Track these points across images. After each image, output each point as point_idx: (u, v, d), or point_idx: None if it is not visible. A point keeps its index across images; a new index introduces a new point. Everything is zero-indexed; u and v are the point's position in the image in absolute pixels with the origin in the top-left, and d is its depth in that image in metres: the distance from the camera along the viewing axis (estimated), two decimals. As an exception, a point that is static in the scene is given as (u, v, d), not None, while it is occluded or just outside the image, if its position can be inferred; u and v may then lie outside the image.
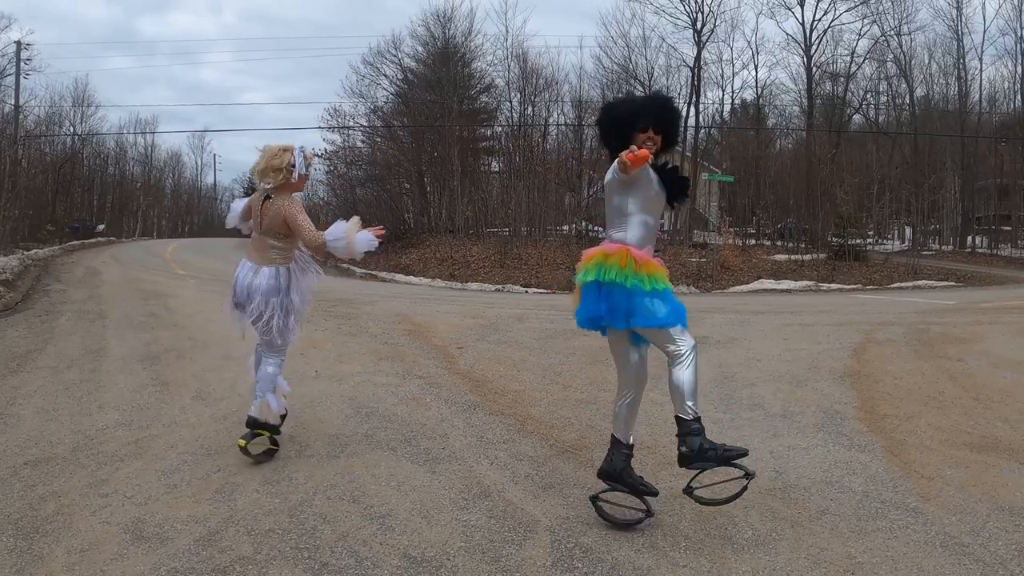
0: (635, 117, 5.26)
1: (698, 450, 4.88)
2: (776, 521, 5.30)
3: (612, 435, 5.38)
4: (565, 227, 42.74)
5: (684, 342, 5.01)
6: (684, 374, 4.97)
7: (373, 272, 33.64)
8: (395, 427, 7.20)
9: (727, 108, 55.82)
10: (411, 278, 31.13)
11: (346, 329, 12.65)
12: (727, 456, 4.94)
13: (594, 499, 5.37)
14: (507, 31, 49.69)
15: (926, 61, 52.70)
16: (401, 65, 50.94)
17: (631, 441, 5.37)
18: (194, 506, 5.35)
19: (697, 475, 5.11)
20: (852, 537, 5.06)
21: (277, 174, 6.32)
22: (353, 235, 6.28)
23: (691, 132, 49.26)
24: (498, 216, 45.62)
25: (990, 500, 5.69)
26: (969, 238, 50.70)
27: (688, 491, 5.11)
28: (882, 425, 7.56)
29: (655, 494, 5.27)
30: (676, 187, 5.31)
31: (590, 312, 5.11)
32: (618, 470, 5.28)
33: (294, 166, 6.33)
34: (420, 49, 50.57)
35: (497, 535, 4.99)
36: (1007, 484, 6.01)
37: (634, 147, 4.87)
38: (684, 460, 4.93)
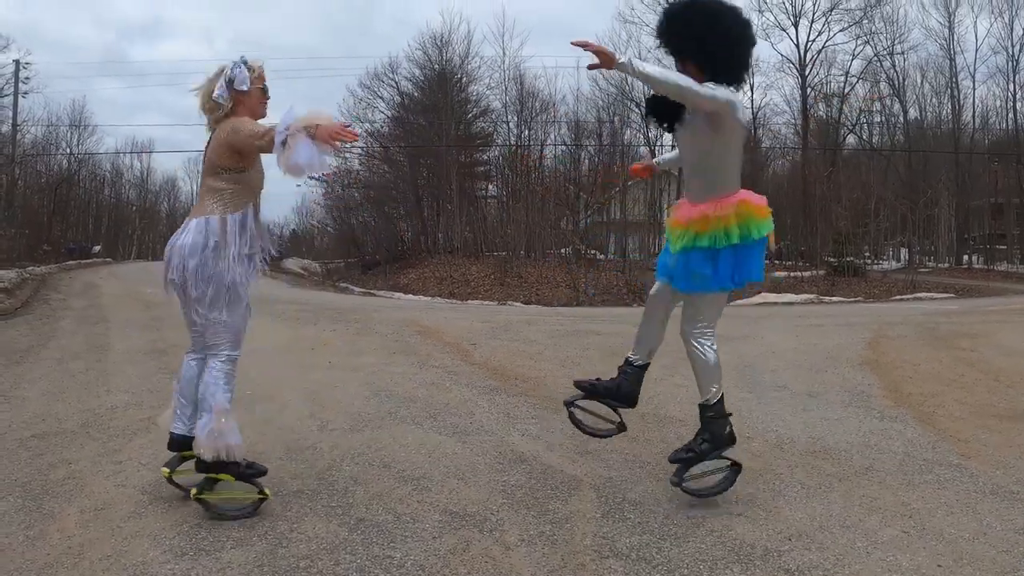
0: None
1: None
2: (823, 476, 5.23)
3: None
4: (563, 249, 42.75)
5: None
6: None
7: (371, 291, 33.60)
8: (418, 407, 7.04)
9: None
10: (410, 296, 31.00)
11: (355, 330, 12.48)
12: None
13: (566, 403, 5.29)
14: (504, 54, 49.84)
15: (919, 81, 52.99)
16: (398, 88, 51.06)
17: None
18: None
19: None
20: (902, 488, 5.00)
21: (215, 106, 4.76)
22: (318, 124, 4.32)
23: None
24: (497, 237, 45.66)
25: (1029, 457, 5.63)
26: (964, 256, 50.85)
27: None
28: (909, 401, 7.50)
29: (633, 405, 5.26)
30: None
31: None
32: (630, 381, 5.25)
33: (231, 83, 4.70)
34: (417, 72, 50.77)
35: (540, 492, 4.87)
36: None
37: None
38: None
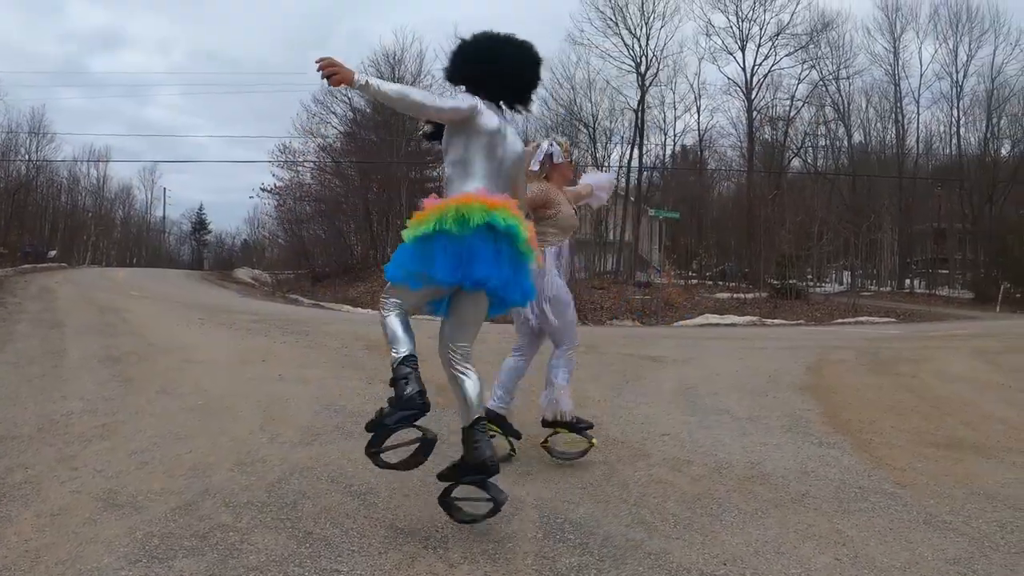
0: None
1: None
2: (760, 502, 5.33)
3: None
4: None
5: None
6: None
7: (320, 303, 33.51)
8: (366, 421, 7.09)
9: (668, 152, 56.58)
10: (359, 309, 30.94)
11: (304, 343, 12.56)
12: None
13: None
14: (456, 73, 49.87)
15: (864, 106, 53.84)
16: (351, 104, 51.06)
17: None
18: (168, 480, 5.27)
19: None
20: (837, 515, 5.11)
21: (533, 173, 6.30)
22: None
23: (633, 175, 49.90)
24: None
25: (964, 487, 5.80)
26: (907, 280, 51.58)
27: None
28: (847, 427, 7.66)
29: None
30: None
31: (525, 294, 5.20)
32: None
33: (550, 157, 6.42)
34: (371, 89, 50.66)
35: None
36: (978, 474, 6.12)
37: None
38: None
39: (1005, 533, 4.89)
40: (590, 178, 7.19)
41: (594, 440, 6.17)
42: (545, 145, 6.41)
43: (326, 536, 4.43)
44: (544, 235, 6.07)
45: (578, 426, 6.19)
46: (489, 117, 4.81)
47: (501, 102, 5.05)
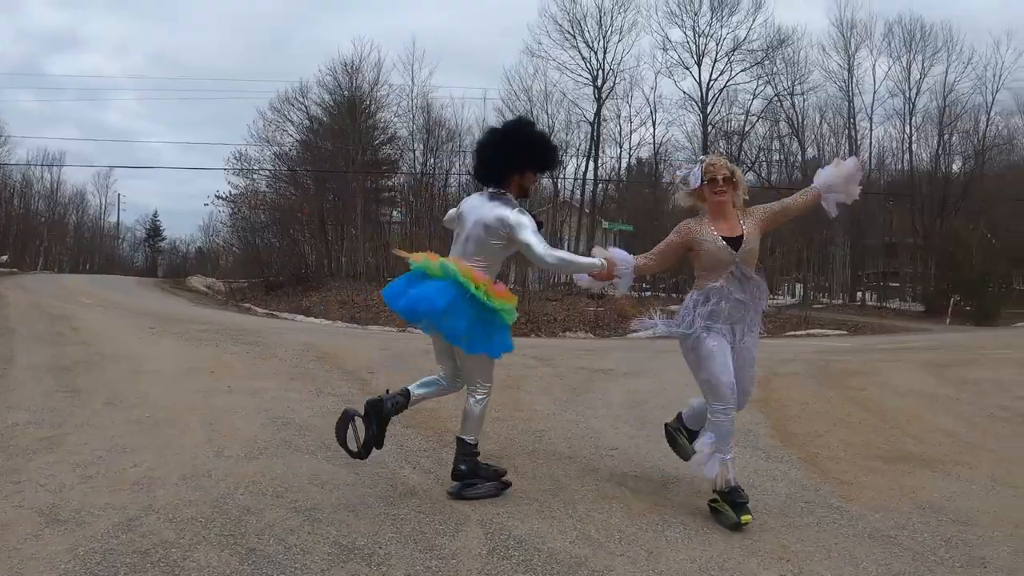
0: (531, 163, 5.75)
1: (471, 469, 5.66)
2: (705, 519, 5.37)
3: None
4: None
5: (488, 383, 5.72)
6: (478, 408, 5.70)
7: (274, 312, 33.34)
8: (313, 435, 7.07)
9: (624, 165, 56.87)
10: (312, 319, 30.81)
11: (255, 353, 12.47)
12: (498, 474, 5.79)
13: (348, 411, 5.77)
14: (413, 83, 49.87)
15: (817, 121, 54.34)
16: (308, 112, 50.97)
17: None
18: (111, 495, 5.22)
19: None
20: (783, 531, 5.16)
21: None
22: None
23: (589, 187, 50.10)
24: (400, 264, 45.75)
25: (910, 500, 5.88)
26: (858, 293, 52.10)
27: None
28: (795, 441, 7.72)
29: (379, 447, 5.71)
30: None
31: (435, 310, 5.41)
32: (388, 407, 5.74)
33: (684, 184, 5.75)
34: (327, 97, 50.75)
35: (428, 527, 4.95)
36: (924, 487, 6.19)
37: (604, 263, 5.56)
38: (458, 475, 5.66)
39: (950, 548, 4.97)
40: (824, 172, 5.91)
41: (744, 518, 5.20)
42: (681, 173, 5.92)
43: (269, 553, 4.41)
44: (699, 279, 5.62)
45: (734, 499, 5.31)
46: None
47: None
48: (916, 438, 8.08)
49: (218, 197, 49.48)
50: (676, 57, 53.88)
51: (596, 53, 50.84)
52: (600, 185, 53.79)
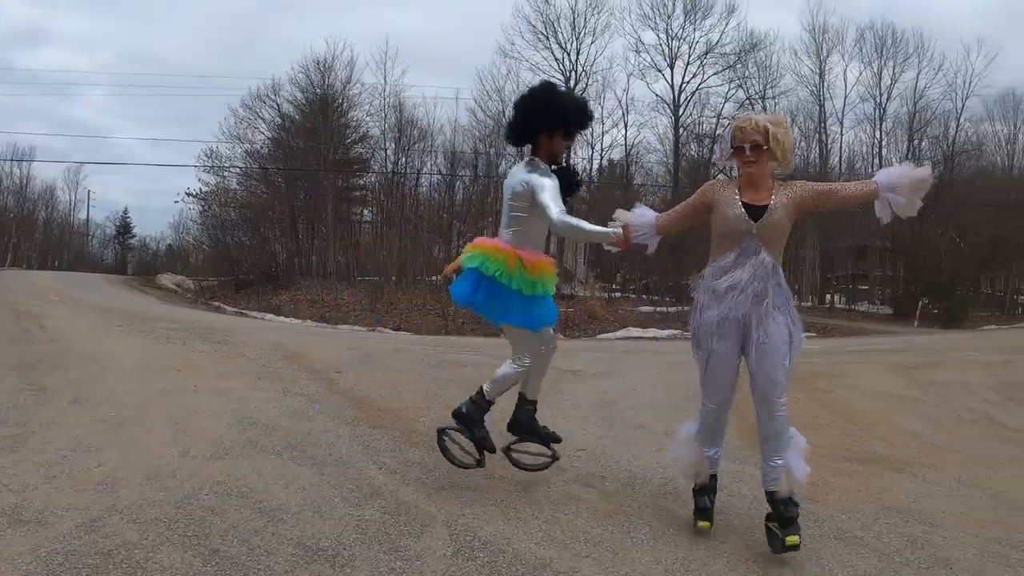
0: (560, 124, 5.67)
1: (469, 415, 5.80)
2: (672, 520, 5.40)
3: (519, 392, 6.02)
4: (434, 277, 43.09)
5: (528, 357, 5.78)
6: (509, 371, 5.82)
7: (244, 311, 33.21)
8: (279, 435, 7.04)
9: (596, 166, 56.99)
10: (282, 318, 30.71)
11: (223, 352, 12.38)
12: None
13: (506, 450, 5.89)
14: (385, 82, 49.66)
15: (789, 125, 54.56)
16: (279, 110, 50.71)
17: (535, 398, 6.03)
18: (75, 496, 5.18)
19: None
20: (748, 532, 5.20)
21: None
22: None
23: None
24: (370, 263, 45.81)
25: (876, 502, 5.92)
26: (827, 295, 52.41)
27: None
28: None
29: (559, 440, 5.93)
30: (568, 184, 5.60)
31: (466, 296, 5.60)
32: (523, 421, 5.90)
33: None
34: (299, 95, 50.48)
35: (393, 528, 4.94)
36: (891, 489, 6.23)
37: (619, 231, 5.37)
38: (455, 414, 5.86)
39: (915, 548, 5.03)
40: (891, 171, 5.04)
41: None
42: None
43: (232, 554, 4.39)
44: (714, 250, 5.14)
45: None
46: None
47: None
48: (884, 440, 8.14)
49: (189, 194, 49.15)
50: (649, 59, 54.33)
51: (569, 54, 51.15)
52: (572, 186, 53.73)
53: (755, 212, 4.88)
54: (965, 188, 50.63)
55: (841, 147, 54.63)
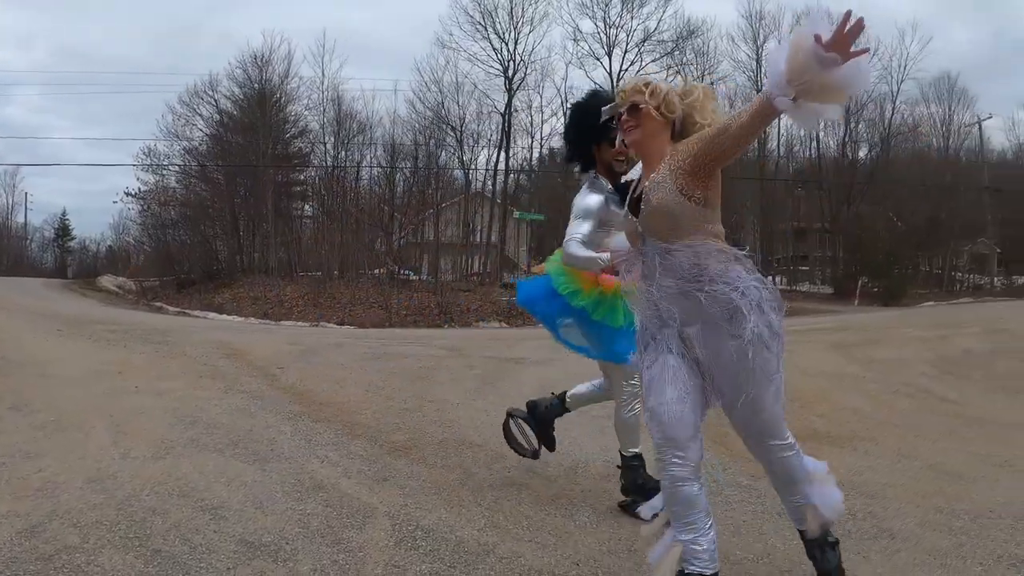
0: (600, 135, 5.23)
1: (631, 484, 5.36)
2: (614, 501, 5.43)
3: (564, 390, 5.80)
4: (377, 270, 43.02)
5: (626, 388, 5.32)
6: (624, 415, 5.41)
7: (186, 310, 32.96)
8: (221, 433, 7.02)
9: (535, 155, 57.08)
10: (224, 316, 30.52)
11: (164, 352, 12.29)
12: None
13: (509, 413, 5.89)
14: (323, 75, 49.37)
15: (727, 109, 54.91)
16: (217, 106, 50.18)
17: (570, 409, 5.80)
18: (14, 503, 5.12)
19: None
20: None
21: None
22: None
23: (500, 178, 50.25)
24: (312, 258, 45.65)
25: (816, 477, 5.96)
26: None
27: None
28: (703, 422, 7.78)
29: (551, 450, 5.82)
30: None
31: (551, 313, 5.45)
32: (542, 410, 5.74)
33: None
34: (237, 91, 49.99)
35: (335, 521, 4.94)
36: (832, 464, 6.19)
37: (606, 257, 4.84)
38: (623, 491, 5.40)
39: (856, 520, 5.13)
40: (771, 57, 3.38)
41: None
42: None
43: (174, 553, 4.37)
44: None
45: None
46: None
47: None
48: (824, 417, 8.31)
49: (127, 194, 48.63)
50: (587, 48, 54.34)
51: (507, 44, 50.86)
52: (512, 175, 53.94)
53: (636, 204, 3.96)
54: (901, 169, 51.39)
55: (779, 132, 54.81)
